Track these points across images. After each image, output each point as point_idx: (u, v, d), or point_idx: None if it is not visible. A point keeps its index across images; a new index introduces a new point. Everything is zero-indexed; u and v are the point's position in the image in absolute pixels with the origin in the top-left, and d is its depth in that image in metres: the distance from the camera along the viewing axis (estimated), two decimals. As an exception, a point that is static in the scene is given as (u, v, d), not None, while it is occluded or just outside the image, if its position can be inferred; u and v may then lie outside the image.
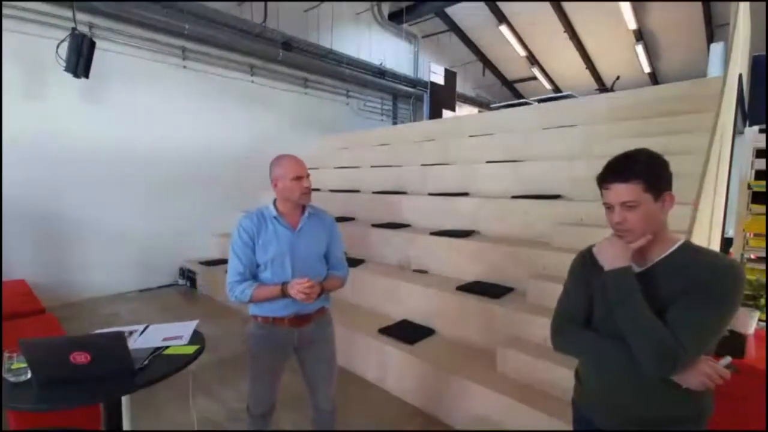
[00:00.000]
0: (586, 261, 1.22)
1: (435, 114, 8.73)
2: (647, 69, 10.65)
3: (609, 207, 1.10)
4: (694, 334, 0.99)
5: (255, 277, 1.77)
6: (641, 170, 1.04)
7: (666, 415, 1.09)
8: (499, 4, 9.44)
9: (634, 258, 1.13)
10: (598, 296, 1.16)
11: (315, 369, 1.89)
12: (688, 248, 1.10)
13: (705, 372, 1.00)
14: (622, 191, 1.05)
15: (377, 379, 3.04)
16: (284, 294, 1.65)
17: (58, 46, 4.41)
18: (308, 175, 1.79)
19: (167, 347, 1.61)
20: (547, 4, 9.05)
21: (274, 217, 1.77)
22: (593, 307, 1.19)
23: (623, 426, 1.14)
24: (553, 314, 1.27)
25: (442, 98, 8.94)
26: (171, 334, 1.73)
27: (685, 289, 1.02)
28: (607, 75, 10.94)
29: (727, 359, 1.06)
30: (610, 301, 1.09)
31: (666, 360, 0.99)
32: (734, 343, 1.97)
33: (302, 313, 1.78)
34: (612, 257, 1.10)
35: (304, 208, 1.84)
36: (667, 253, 1.09)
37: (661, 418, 1.09)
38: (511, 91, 13.12)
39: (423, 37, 10.02)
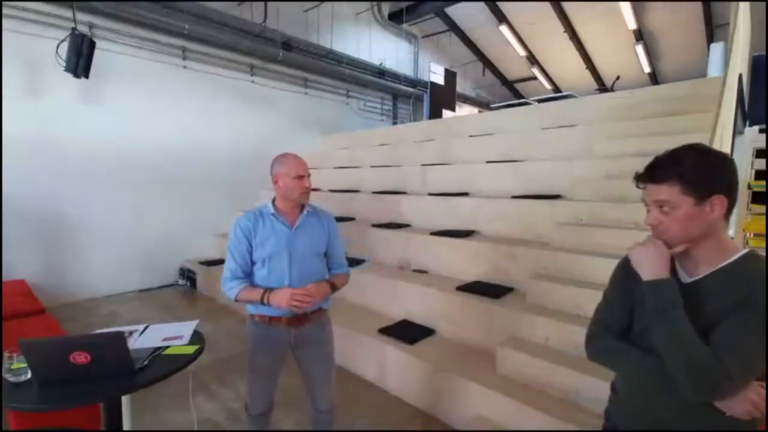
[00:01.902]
0: (629, 268, 1.09)
1: (435, 114, 8.73)
2: (647, 69, 10.65)
3: (646, 207, 1.02)
4: (742, 358, 0.88)
5: (249, 274, 1.79)
6: (680, 170, 0.94)
7: None
8: (499, 4, 9.44)
9: (685, 267, 1.03)
10: (639, 307, 1.07)
11: (312, 369, 1.89)
12: (750, 260, 0.96)
13: (752, 399, 0.88)
14: (654, 192, 0.98)
15: (377, 379, 3.04)
16: (264, 302, 1.66)
17: (58, 46, 4.41)
18: (309, 175, 1.81)
19: (167, 347, 1.61)
20: (547, 4, 9.05)
21: (272, 215, 1.79)
22: (633, 318, 1.10)
23: None
24: (589, 322, 1.19)
25: (442, 98, 8.94)
26: (171, 334, 1.73)
27: (734, 306, 0.90)
28: (607, 75, 10.94)
29: None
30: (647, 315, 1.00)
31: (705, 384, 0.89)
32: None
33: (299, 313, 1.79)
34: (650, 266, 0.99)
35: (303, 206, 1.85)
36: (723, 264, 0.96)
37: None
38: (511, 91, 13.11)
39: (423, 37, 10.02)
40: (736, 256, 0.96)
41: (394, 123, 9.03)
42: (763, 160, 3.91)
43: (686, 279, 1.02)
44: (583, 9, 9.10)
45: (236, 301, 1.74)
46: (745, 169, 4.04)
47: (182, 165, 5.67)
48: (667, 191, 0.95)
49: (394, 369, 2.92)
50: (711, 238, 0.97)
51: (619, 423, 1.17)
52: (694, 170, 0.93)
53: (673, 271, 1.02)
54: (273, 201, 1.84)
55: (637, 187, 1.03)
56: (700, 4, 8.31)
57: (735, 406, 0.90)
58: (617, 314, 1.12)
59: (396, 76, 8.71)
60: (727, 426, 0.94)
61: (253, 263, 1.79)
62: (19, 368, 1.36)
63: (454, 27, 10.48)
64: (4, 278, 4.10)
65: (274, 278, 1.76)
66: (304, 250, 1.80)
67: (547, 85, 12.34)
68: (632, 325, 1.10)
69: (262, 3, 6.36)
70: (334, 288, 1.83)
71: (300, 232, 1.81)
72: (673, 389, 0.94)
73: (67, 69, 4.32)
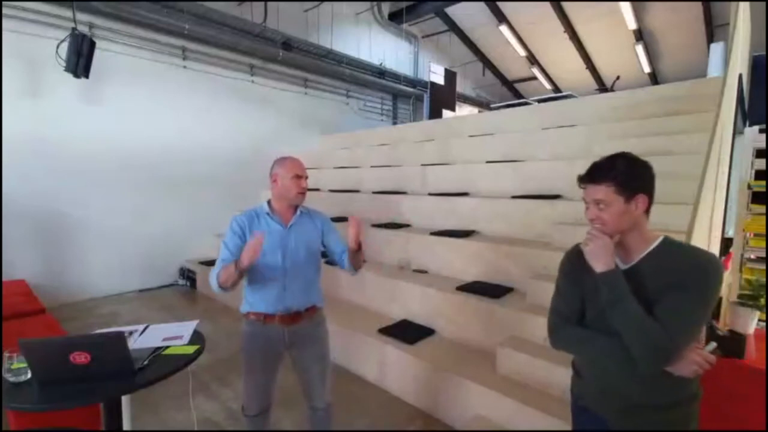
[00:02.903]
0: (575, 260, 1.29)
1: (435, 114, 8.72)
2: (647, 69, 10.65)
3: (586, 204, 1.21)
4: (685, 330, 1.07)
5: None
6: (614, 174, 1.13)
7: (662, 402, 1.16)
8: (499, 4, 9.43)
9: (620, 255, 1.21)
10: (590, 295, 1.23)
11: (307, 368, 1.91)
12: (669, 244, 1.17)
13: (695, 360, 1.08)
14: (593, 192, 1.16)
15: (377, 379, 3.04)
16: (238, 268, 1.59)
17: (58, 46, 4.41)
18: (306, 177, 1.87)
19: (167, 347, 1.61)
20: (547, 4, 9.05)
21: (267, 214, 1.84)
22: (585, 304, 1.26)
23: (622, 413, 1.21)
24: (548, 314, 1.34)
25: (442, 98, 8.94)
26: (171, 334, 1.73)
27: (672, 286, 1.09)
28: (607, 75, 10.94)
29: (712, 345, 1.16)
30: (603, 303, 1.15)
31: (659, 356, 1.08)
32: (734, 343, 1.98)
33: (292, 311, 1.82)
34: (602, 259, 1.16)
35: (296, 207, 1.89)
36: (648, 250, 1.17)
37: (657, 405, 1.16)
38: (511, 91, 13.11)
39: (423, 37, 10.02)
40: (656, 243, 1.17)
41: (394, 123, 9.03)
42: (763, 160, 3.91)
43: (623, 266, 1.19)
44: (583, 9, 9.09)
45: (220, 287, 1.69)
46: (745, 169, 4.04)
47: (182, 165, 5.67)
48: (604, 191, 1.14)
49: (394, 369, 2.92)
50: (636, 230, 1.17)
51: (584, 400, 1.31)
52: (624, 174, 1.13)
53: None
54: (269, 202, 1.89)
55: (579, 187, 1.21)
56: (700, 4, 8.30)
57: (683, 368, 1.08)
58: (571, 303, 1.28)
59: (396, 76, 8.71)
60: (679, 385, 1.14)
61: None
62: (19, 368, 1.36)
63: (454, 27, 10.47)
64: (4, 278, 4.11)
65: (268, 275, 1.79)
66: (297, 248, 1.84)
67: (547, 85, 12.33)
68: (585, 312, 1.26)
69: (262, 3, 6.36)
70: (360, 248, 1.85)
71: (294, 230, 1.85)
72: (632, 363, 1.10)
73: (67, 69, 4.32)
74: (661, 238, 1.18)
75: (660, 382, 1.14)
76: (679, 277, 1.09)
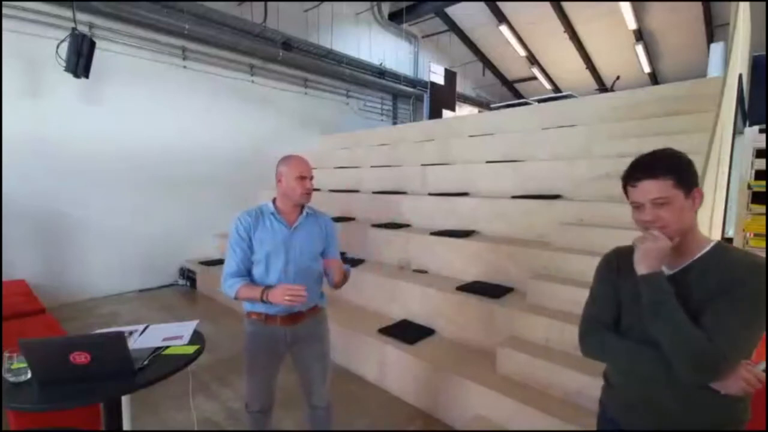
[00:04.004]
0: (612, 264, 1.18)
1: (435, 114, 8.73)
2: (647, 69, 10.65)
3: (638, 206, 1.06)
4: (734, 339, 0.94)
5: (249, 271, 1.80)
6: (670, 166, 1.01)
7: (704, 421, 1.04)
8: (499, 4, 9.44)
9: (666, 260, 1.08)
10: (627, 300, 1.12)
11: (308, 367, 1.91)
12: (721, 249, 1.05)
13: (744, 377, 0.95)
14: (651, 188, 1.01)
15: (377, 379, 3.04)
16: (263, 300, 1.65)
17: (58, 46, 4.41)
18: (312, 177, 1.84)
19: (167, 347, 1.61)
20: (547, 4, 9.05)
21: (272, 213, 1.82)
22: (621, 311, 1.15)
23: (652, 424, 1.09)
24: (580, 319, 1.22)
25: (442, 98, 8.94)
26: (171, 334, 1.73)
27: (719, 291, 0.97)
28: (607, 75, 10.94)
29: (763, 363, 1.01)
30: (644, 308, 1.04)
31: (706, 368, 0.95)
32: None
33: (294, 311, 1.81)
34: (651, 261, 1.03)
35: (302, 208, 1.87)
36: (699, 254, 1.05)
37: (698, 424, 1.04)
38: (511, 91, 13.11)
39: (423, 37, 10.02)
40: (709, 247, 1.05)
41: (394, 123, 9.03)
42: (763, 160, 3.91)
43: (668, 272, 1.07)
44: (583, 9, 9.10)
45: (235, 299, 1.74)
46: (745, 169, 4.05)
47: (182, 165, 5.67)
48: (663, 186, 1.00)
49: (394, 369, 2.92)
50: (690, 231, 1.05)
51: (615, 412, 1.20)
52: (680, 166, 1.02)
53: None
54: (274, 201, 1.86)
55: (630, 185, 1.06)
56: (700, 4, 8.30)
57: (730, 385, 0.96)
58: (606, 309, 1.16)
59: (396, 76, 8.71)
60: (723, 405, 1.01)
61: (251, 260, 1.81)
62: (19, 368, 1.35)
63: (454, 27, 10.48)
64: (4, 278, 4.10)
65: (270, 276, 1.78)
66: (301, 250, 1.82)
67: (547, 85, 12.33)
68: (620, 318, 1.14)
69: (262, 3, 6.37)
70: (342, 280, 1.83)
71: (298, 232, 1.83)
72: (672, 375, 0.98)
73: (67, 69, 4.32)
74: (713, 243, 1.06)
75: (700, 396, 1.01)
76: (729, 283, 0.97)
